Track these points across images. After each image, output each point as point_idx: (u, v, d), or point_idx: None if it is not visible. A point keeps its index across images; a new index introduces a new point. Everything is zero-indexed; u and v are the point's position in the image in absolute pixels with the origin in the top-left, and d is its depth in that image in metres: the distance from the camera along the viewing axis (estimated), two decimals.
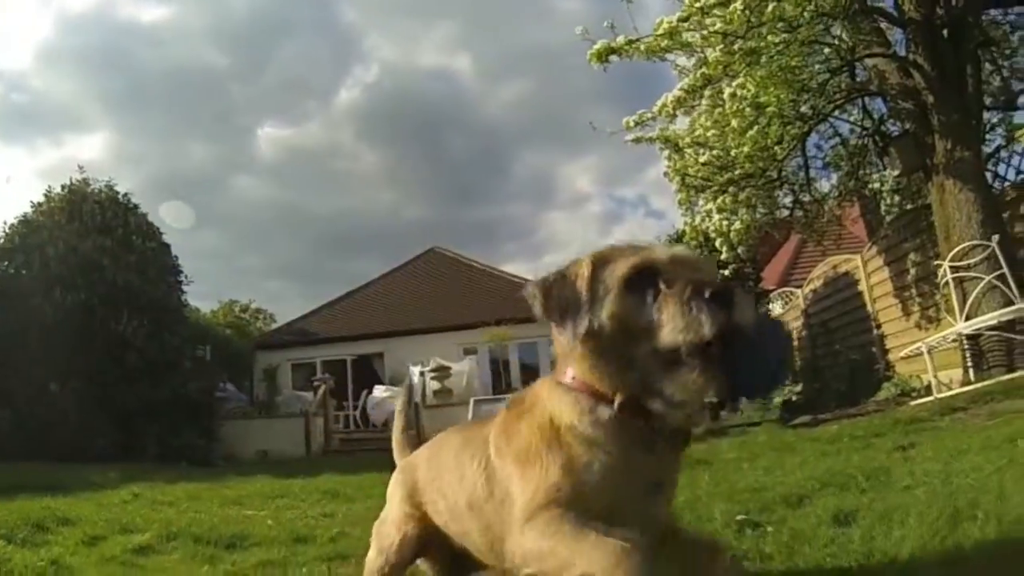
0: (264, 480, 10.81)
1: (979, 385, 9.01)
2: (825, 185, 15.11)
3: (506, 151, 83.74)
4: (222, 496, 8.66)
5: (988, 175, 12.85)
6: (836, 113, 13.12)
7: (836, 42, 12.20)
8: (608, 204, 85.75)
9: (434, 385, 23.66)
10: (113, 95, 70.29)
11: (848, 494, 4.26)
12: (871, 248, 16.18)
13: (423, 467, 2.96)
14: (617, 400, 2.09)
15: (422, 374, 23.93)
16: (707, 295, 1.84)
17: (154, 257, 20.76)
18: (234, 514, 7.13)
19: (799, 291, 19.89)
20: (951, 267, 10.29)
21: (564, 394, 2.22)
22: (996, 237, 9.90)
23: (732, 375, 1.89)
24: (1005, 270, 9.73)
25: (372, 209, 75.18)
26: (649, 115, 10.95)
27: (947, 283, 10.39)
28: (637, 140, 11.62)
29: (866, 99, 13.19)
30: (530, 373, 27.78)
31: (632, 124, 11.05)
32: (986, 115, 12.69)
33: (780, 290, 22.01)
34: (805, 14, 9.82)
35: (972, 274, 10.08)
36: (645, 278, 2.00)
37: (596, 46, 9.95)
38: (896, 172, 12.61)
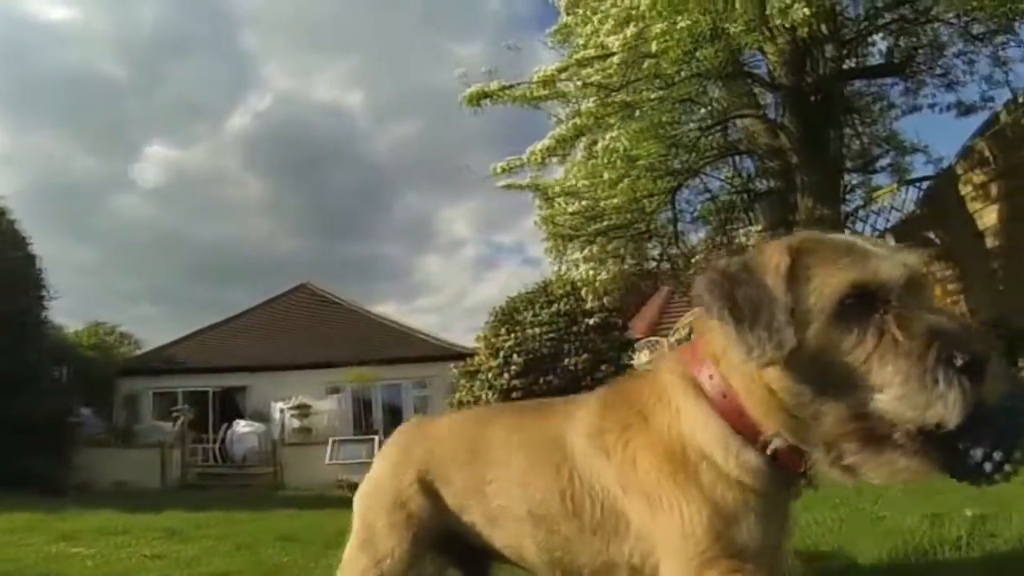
0: (108, 513, 10.22)
1: None
2: (694, 238, 15.36)
3: (389, 190, 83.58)
4: (57, 530, 8.10)
5: (847, 233, 13.45)
6: (707, 169, 13.45)
7: (712, 102, 12.57)
8: (484, 250, 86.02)
9: (295, 423, 23.31)
10: (2, 91, 67.67)
11: None
12: None
13: (445, 442, 2.44)
14: (773, 446, 1.68)
15: (282, 411, 23.47)
16: (959, 363, 1.38)
17: (19, 268, 19.68)
18: (59, 551, 6.69)
19: (665, 340, 20.26)
20: None
21: (706, 417, 1.76)
22: None
23: (953, 461, 1.52)
24: None
25: (252, 239, 73.23)
26: (518, 162, 10.89)
27: None
28: (508, 187, 11.61)
29: (736, 157, 13.58)
30: (394, 414, 27.68)
31: (500, 170, 11.00)
32: (846, 177, 13.35)
33: (646, 339, 22.29)
34: (682, 73, 10.07)
35: None
36: (866, 304, 1.48)
37: (470, 90, 9.97)
38: (760, 227, 13.13)
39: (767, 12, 8.57)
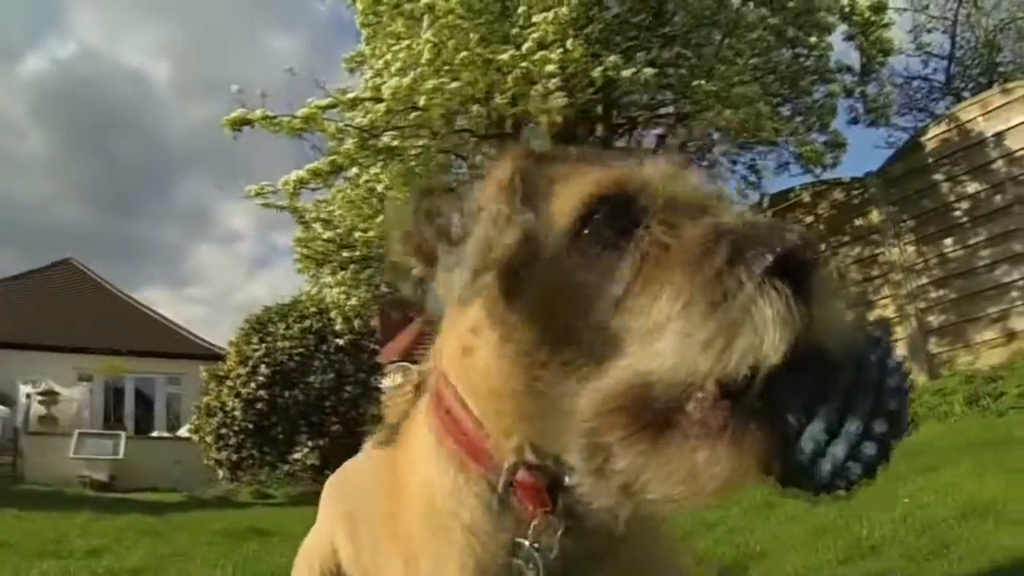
0: None
1: None
2: None
3: (176, 172, 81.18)
4: None
5: None
6: None
7: (481, 155, 13.09)
8: (260, 248, 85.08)
9: (40, 411, 21.51)
10: None
11: None
12: None
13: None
14: (507, 465, 1.17)
15: (29, 396, 21.95)
16: (768, 261, 0.88)
17: None
18: None
19: (415, 366, 20.74)
20: None
21: (427, 447, 1.29)
22: None
23: (790, 444, 0.94)
24: None
25: (23, 197, 67.51)
26: (271, 189, 10.89)
27: None
28: (267, 205, 11.40)
29: None
30: (146, 408, 27.36)
31: (253, 193, 10.95)
32: None
33: (398, 363, 22.63)
34: (450, 126, 10.49)
35: None
36: (624, 217, 1.02)
37: (232, 114, 9.84)
38: None
39: (531, 93, 9.13)
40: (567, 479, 1.11)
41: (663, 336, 0.91)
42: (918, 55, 24.08)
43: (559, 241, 1.03)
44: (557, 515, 1.16)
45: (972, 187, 10.22)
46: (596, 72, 8.89)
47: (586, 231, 1.02)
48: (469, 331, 1.15)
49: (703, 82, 9.45)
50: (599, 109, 11.44)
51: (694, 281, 0.90)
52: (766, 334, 0.84)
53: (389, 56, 10.09)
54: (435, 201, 1.09)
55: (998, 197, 9.97)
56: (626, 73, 8.88)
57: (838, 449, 0.92)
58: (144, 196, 79.13)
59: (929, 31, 23.66)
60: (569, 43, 8.76)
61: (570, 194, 1.05)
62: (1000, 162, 9.96)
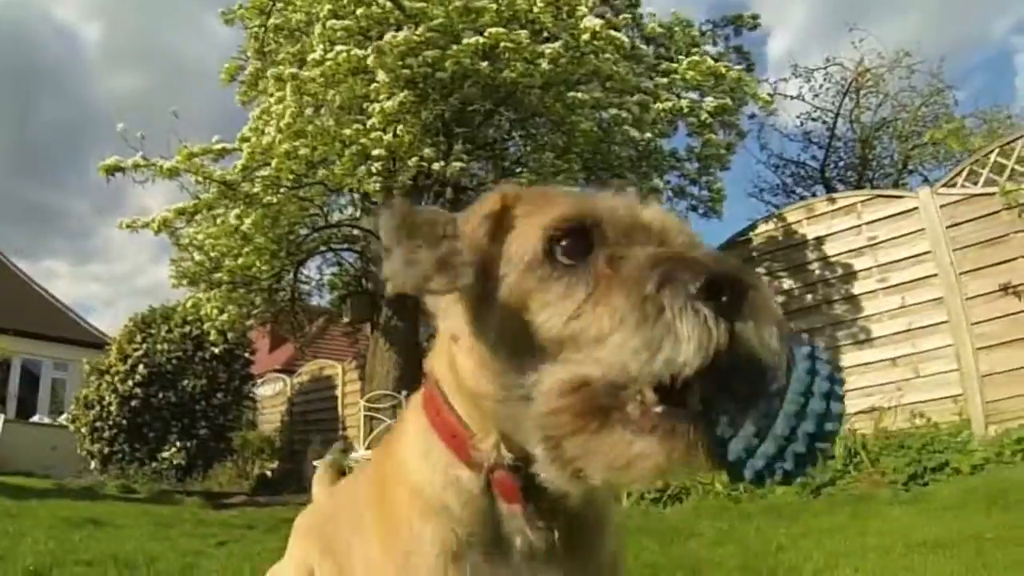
0: None
1: None
2: (318, 300, 17.23)
3: (94, 140, 78.78)
4: None
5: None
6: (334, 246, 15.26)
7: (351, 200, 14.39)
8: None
9: None
10: None
11: None
12: (351, 361, 19.22)
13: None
14: (486, 465, 1.34)
15: None
16: (696, 285, 1.02)
17: None
18: None
19: (288, 379, 22.05)
20: (366, 405, 12.79)
21: (415, 436, 1.45)
22: (404, 392, 12.34)
23: (722, 441, 1.09)
24: None
25: None
26: (142, 223, 11.15)
27: (361, 417, 12.88)
28: (144, 225, 11.30)
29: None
30: (32, 390, 27.16)
31: (125, 226, 11.12)
32: None
33: (270, 374, 23.74)
34: (302, 182, 11.46)
35: (380, 416, 12.58)
36: (581, 246, 1.18)
37: (106, 160, 10.32)
38: (347, 319, 15.35)
39: (357, 172, 10.07)
40: (537, 476, 1.22)
41: (603, 346, 1.05)
42: (800, 140, 26.14)
43: (522, 264, 1.18)
44: (529, 511, 1.35)
45: (788, 283, 11.10)
46: (412, 161, 9.78)
47: (550, 255, 1.17)
48: (450, 339, 1.32)
49: (523, 169, 10.39)
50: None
51: (630, 302, 1.04)
52: (683, 347, 0.98)
53: (271, 100, 10.82)
54: (421, 216, 1.22)
55: (809, 296, 10.85)
56: (436, 166, 9.78)
57: (768, 447, 1.08)
58: (60, 163, 77.13)
59: (814, 120, 25.56)
60: (399, 128, 9.52)
61: (536, 224, 1.20)
62: (816, 264, 10.83)
